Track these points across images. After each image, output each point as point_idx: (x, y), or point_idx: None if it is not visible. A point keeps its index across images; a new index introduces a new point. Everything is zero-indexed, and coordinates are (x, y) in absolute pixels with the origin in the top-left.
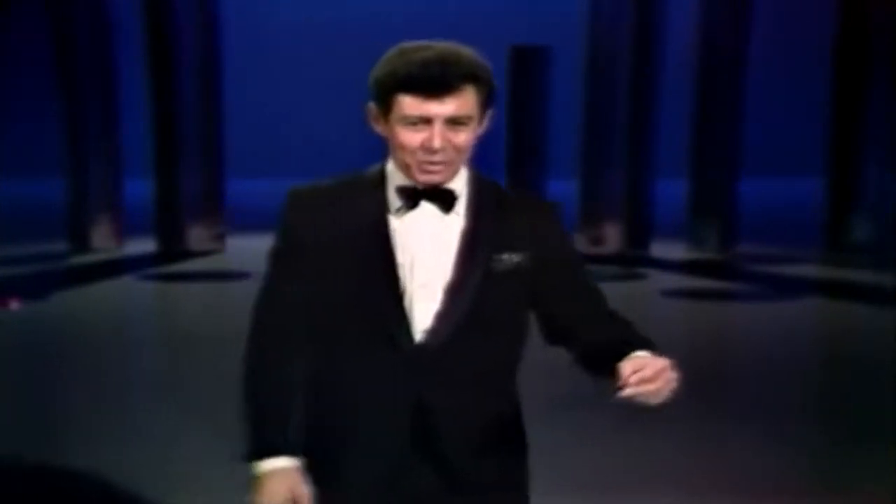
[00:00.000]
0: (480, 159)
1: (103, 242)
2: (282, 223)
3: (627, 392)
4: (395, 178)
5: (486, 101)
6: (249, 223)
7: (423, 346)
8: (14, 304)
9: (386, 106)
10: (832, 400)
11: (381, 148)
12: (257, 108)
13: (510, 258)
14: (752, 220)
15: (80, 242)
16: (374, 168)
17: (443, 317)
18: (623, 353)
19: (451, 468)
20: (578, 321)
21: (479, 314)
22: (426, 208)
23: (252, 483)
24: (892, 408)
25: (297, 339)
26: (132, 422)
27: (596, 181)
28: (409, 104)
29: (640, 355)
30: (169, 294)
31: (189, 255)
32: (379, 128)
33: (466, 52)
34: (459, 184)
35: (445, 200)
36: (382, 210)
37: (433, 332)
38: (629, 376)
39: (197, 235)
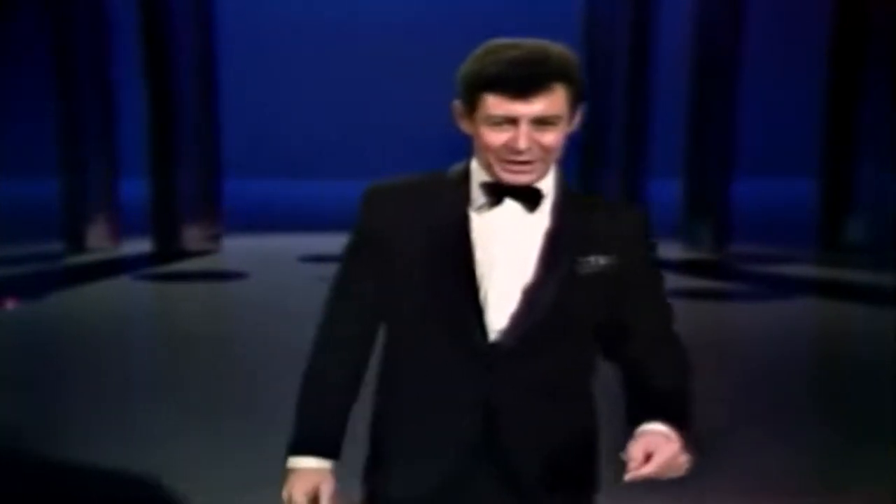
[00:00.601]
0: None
1: (99, 242)
2: (359, 219)
3: (629, 477)
4: (479, 175)
5: (577, 99)
6: (246, 223)
7: (496, 346)
8: (10, 304)
9: (471, 104)
10: (828, 400)
11: (382, 147)
12: (255, 109)
13: (596, 261)
14: (748, 220)
15: (76, 242)
16: (458, 166)
17: (519, 318)
18: (647, 413)
19: (515, 472)
20: (639, 343)
21: (556, 317)
22: (510, 206)
23: (284, 477)
24: (889, 408)
25: (362, 340)
26: (128, 422)
27: (592, 180)
28: (494, 104)
29: (656, 431)
30: (165, 294)
31: (185, 255)
32: (463, 126)
33: (556, 49)
34: (546, 184)
35: (530, 199)
36: (464, 207)
37: (508, 333)
38: (636, 462)
39: (193, 235)
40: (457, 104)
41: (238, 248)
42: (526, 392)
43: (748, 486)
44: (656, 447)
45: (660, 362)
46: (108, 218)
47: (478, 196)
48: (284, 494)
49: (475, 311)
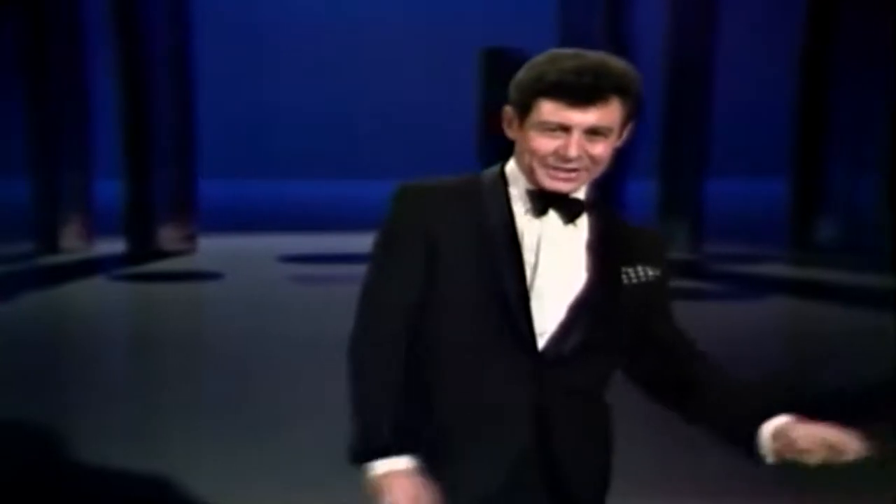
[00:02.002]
0: (456, 161)
1: (72, 243)
2: (395, 215)
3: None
4: (518, 181)
5: (631, 114)
6: (223, 223)
7: (546, 353)
8: None
9: (525, 109)
10: (802, 398)
11: (361, 148)
12: (233, 108)
13: (644, 272)
14: (722, 221)
15: (48, 243)
16: (491, 171)
17: (570, 326)
18: (759, 416)
19: (563, 477)
20: (687, 352)
21: (603, 326)
22: (551, 215)
23: (370, 485)
24: (863, 405)
25: (405, 336)
26: (103, 423)
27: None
28: (550, 110)
29: (792, 419)
30: (140, 295)
31: (161, 255)
32: (511, 132)
33: (617, 63)
34: (582, 195)
35: (572, 210)
36: (508, 211)
37: (559, 341)
38: (848, 442)
39: (169, 236)
40: (508, 110)
41: (215, 249)
42: (572, 398)
43: (725, 487)
44: (823, 429)
45: (717, 366)
46: (81, 218)
47: (522, 202)
48: (388, 500)
49: (527, 317)
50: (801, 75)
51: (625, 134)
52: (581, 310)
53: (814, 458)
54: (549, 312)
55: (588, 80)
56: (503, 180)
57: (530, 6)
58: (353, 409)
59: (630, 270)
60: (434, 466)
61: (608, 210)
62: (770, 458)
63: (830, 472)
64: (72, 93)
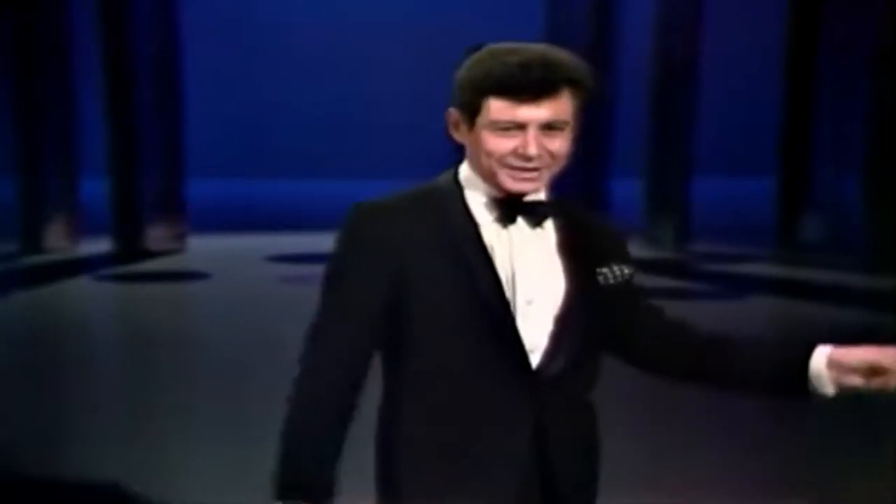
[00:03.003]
0: (437, 161)
1: (57, 242)
2: (349, 243)
3: None
4: (479, 187)
5: (583, 105)
6: (212, 223)
7: (541, 370)
8: None
9: (472, 110)
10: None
11: (351, 147)
12: (222, 108)
13: (620, 271)
14: (708, 219)
15: (33, 243)
16: (446, 178)
17: (561, 339)
18: (795, 358)
19: (561, 487)
20: (682, 329)
21: (593, 331)
22: (517, 222)
23: None
24: (847, 405)
25: (362, 363)
26: (90, 425)
27: (555, 180)
28: (501, 108)
29: (833, 349)
30: (126, 295)
31: (148, 255)
32: (458, 134)
33: (563, 53)
34: (543, 196)
35: (539, 213)
36: (473, 224)
37: (552, 355)
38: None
39: (156, 235)
40: (453, 112)
41: (203, 248)
42: (568, 409)
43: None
44: (870, 350)
45: (710, 334)
46: (66, 217)
47: (486, 210)
48: None
49: (517, 337)
50: (785, 74)
51: (575, 125)
52: (568, 320)
53: (873, 382)
54: (536, 328)
55: (536, 73)
56: (459, 188)
57: (516, 5)
58: (283, 437)
59: (605, 271)
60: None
61: (568, 205)
62: (830, 389)
63: (830, 472)
64: (57, 90)
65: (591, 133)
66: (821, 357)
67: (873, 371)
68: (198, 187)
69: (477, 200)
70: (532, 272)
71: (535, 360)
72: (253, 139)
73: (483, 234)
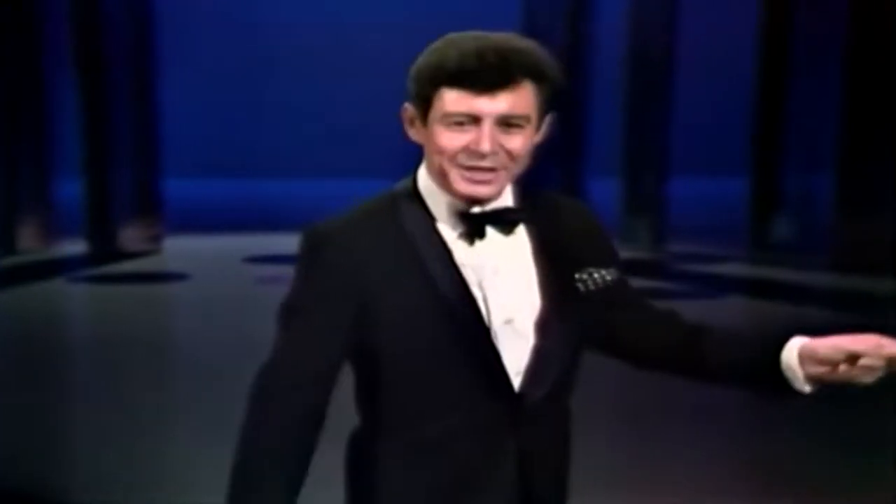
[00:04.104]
0: (415, 160)
1: (30, 243)
2: (306, 274)
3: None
4: (439, 198)
5: (548, 101)
6: (189, 223)
7: (523, 391)
8: None
9: (425, 103)
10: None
11: (329, 147)
12: (200, 107)
13: (600, 276)
14: (685, 219)
15: (5, 244)
16: (402, 190)
17: (542, 356)
18: (772, 347)
19: (538, 498)
20: (668, 331)
21: (576, 344)
22: (486, 234)
23: None
24: (818, 402)
25: (320, 404)
26: (64, 429)
27: (530, 179)
28: (454, 100)
29: (807, 340)
30: (102, 296)
31: (124, 256)
32: (413, 132)
33: (525, 42)
34: (508, 199)
35: (508, 222)
36: (439, 241)
37: (535, 378)
38: (888, 349)
39: (132, 236)
40: (408, 107)
41: (180, 249)
42: (550, 429)
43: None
44: (842, 338)
45: (693, 325)
46: (39, 218)
47: (449, 225)
48: None
49: (493, 356)
50: (757, 76)
51: (545, 126)
52: (549, 338)
53: (848, 373)
54: (518, 349)
55: (493, 61)
56: (420, 199)
57: (491, 4)
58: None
59: (584, 276)
60: None
61: (543, 201)
62: (803, 385)
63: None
64: (30, 89)
65: (568, 133)
66: (793, 349)
67: (849, 361)
68: (175, 188)
69: (441, 214)
70: (508, 288)
71: (517, 382)
72: (231, 139)
73: (453, 251)
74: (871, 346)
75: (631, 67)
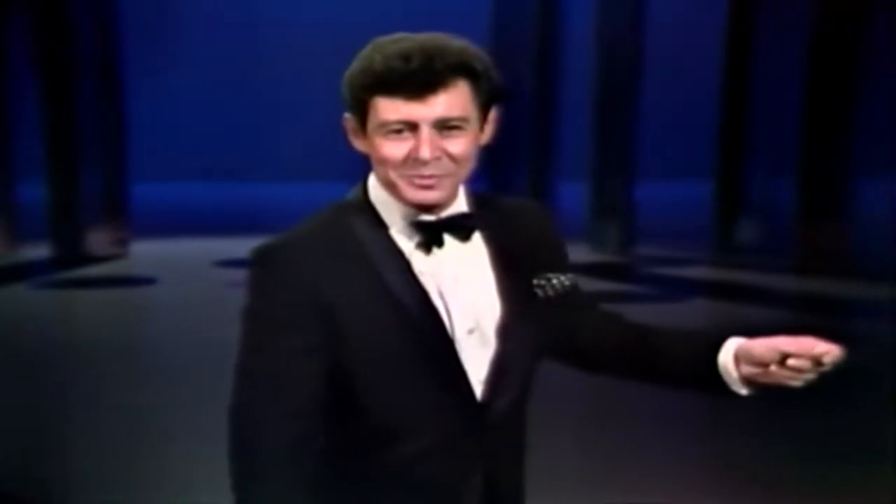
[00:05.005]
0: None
1: None
2: (262, 290)
3: (832, 357)
4: (391, 206)
5: (489, 101)
6: (157, 227)
7: (486, 400)
8: None
9: (362, 113)
10: (724, 397)
11: (297, 149)
12: (166, 110)
13: (559, 281)
14: (652, 223)
15: None
16: (352, 201)
17: (504, 363)
18: (708, 349)
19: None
20: (617, 333)
21: (536, 351)
22: (443, 243)
23: None
24: (783, 403)
25: (304, 448)
26: (29, 436)
27: (500, 183)
28: (387, 107)
29: (744, 341)
30: (67, 301)
31: (90, 260)
32: (357, 143)
33: (453, 40)
34: (461, 204)
35: (464, 229)
36: (396, 252)
37: (496, 382)
38: (819, 348)
39: (98, 240)
40: (348, 118)
41: (147, 253)
42: (512, 439)
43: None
44: (780, 340)
45: (639, 325)
46: (3, 222)
47: (405, 234)
48: None
49: (458, 369)
50: (722, 81)
51: (489, 126)
52: (511, 345)
53: (778, 374)
54: (479, 360)
55: (420, 63)
56: (372, 210)
57: (460, 6)
58: None
59: (543, 282)
60: None
61: (495, 205)
62: (739, 387)
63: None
64: None
65: (536, 136)
66: (730, 349)
67: (779, 362)
68: (142, 191)
69: (395, 223)
70: (469, 296)
71: (479, 391)
72: (200, 142)
73: (411, 261)
74: (803, 347)
75: (599, 72)
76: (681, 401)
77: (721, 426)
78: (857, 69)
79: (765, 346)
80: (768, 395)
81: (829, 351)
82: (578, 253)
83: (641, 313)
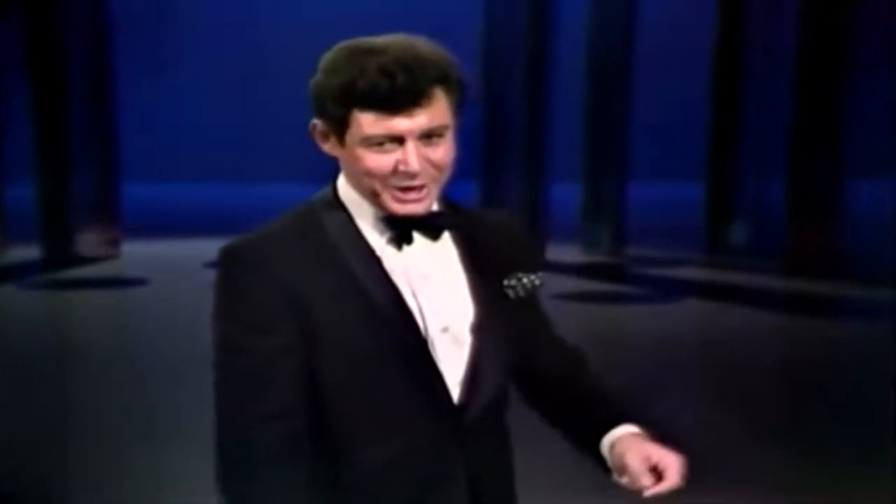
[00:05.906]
0: None
1: None
2: (235, 291)
3: (653, 492)
4: (363, 207)
5: (458, 102)
6: (148, 228)
7: (463, 402)
8: None
9: (340, 123)
10: (716, 398)
11: (287, 149)
12: (157, 110)
13: (529, 281)
14: (644, 224)
15: None
16: (321, 202)
17: (479, 364)
18: (606, 424)
19: None
20: (554, 352)
21: (509, 352)
22: (414, 241)
23: None
24: (775, 403)
25: (294, 447)
26: (18, 439)
27: (492, 184)
28: (372, 122)
29: (632, 433)
30: (57, 302)
31: (81, 261)
32: (328, 147)
33: (426, 47)
34: (435, 205)
35: (435, 227)
36: (368, 252)
37: (471, 384)
38: (650, 478)
39: (89, 241)
40: (318, 124)
41: (139, 254)
42: (494, 447)
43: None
44: (657, 456)
45: (579, 366)
46: None
47: (377, 233)
48: None
49: (432, 369)
50: (712, 81)
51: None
52: (485, 345)
53: (638, 481)
54: (454, 360)
55: (404, 80)
56: (344, 210)
57: (453, 6)
58: None
59: (513, 282)
60: None
61: (462, 211)
62: (615, 475)
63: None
64: None
65: (531, 138)
66: (610, 439)
67: (652, 470)
68: (133, 192)
69: (367, 221)
70: (441, 295)
71: (456, 394)
72: (191, 142)
73: (382, 259)
74: (669, 469)
75: (590, 73)
76: (680, 401)
77: (720, 426)
78: (847, 71)
79: (637, 453)
80: (768, 395)
81: (654, 490)
82: (570, 254)
83: (633, 314)
